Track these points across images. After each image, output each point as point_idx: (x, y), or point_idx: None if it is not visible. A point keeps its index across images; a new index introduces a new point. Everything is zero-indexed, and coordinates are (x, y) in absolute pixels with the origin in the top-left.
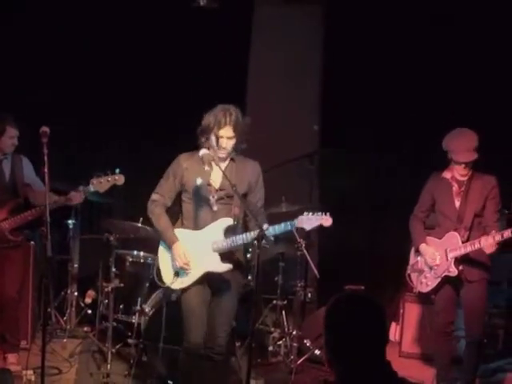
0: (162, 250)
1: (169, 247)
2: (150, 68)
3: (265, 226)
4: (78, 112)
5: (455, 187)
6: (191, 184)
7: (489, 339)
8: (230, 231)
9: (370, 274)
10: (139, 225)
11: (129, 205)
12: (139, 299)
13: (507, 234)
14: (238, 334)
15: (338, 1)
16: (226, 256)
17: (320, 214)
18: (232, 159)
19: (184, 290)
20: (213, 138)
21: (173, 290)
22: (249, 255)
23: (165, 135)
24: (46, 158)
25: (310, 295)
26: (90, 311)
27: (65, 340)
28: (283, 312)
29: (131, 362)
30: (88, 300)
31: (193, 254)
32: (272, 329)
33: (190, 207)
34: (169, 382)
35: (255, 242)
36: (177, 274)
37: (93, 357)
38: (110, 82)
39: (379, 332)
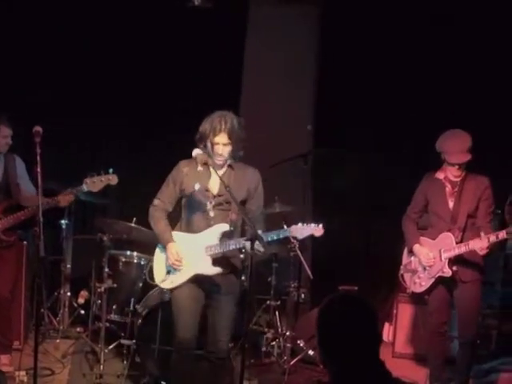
0: (158, 250)
1: (164, 247)
2: (146, 68)
3: (259, 232)
4: (71, 112)
5: (448, 188)
6: (190, 189)
7: (482, 340)
8: (225, 237)
9: (364, 275)
10: (132, 225)
11: (122, 205)
12: (132, 300)
13: (502, 235)
14: (232, 334)
15: (334, 1)
16: (219, 260)
17: (313, 224)
18: (230, 166)
19: (175, 289)
20: (209, 144)
21: (165, 291)
22: (242, 256)
23: (160, 135)
24: (38, 158)
25: (303, 296)
26: (82, 312)
27: (57, 340)
28: (276, 313)
29: (124, 362)
30: (81, 300)
31: (186, 255)
32: (265, 329)
33: (188, 212)
34: (162, 382)
35: (248, 243)
36: (168, 273)
37: (86, 357)
38: (104, 82)
39: (372, 332)
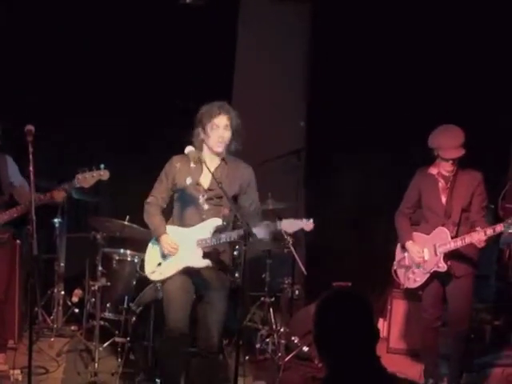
0: (150, 244)
1: (157, 239)
2: (137, 65)
3: (253, 230)
4: (63, 110)
5: (441, 183)
6: (182, 184)
7: (476, 334)
8: (218, 232)
9: (358, 271)
10: (125, 223)
11: (115, 203)
12: (126, 298)
13: (499, 228)
14: (226, 331)
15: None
16: (209, 254)
17: (304, 219)
18: (223, 160)
19: (165, 281)
20: (208, 128)
21: (159, 289)
22: (236, 253)
23: (151, 133)
24: (31, 157)
25: (297, 292)
26: (76, 310)
27: (52, 339)
28: (271, 309)
29: (119, 360)
30: (75, 299)
31: (179, 248)
32: (260, 326)
33: (180, 206)
34: (156, 380)
35: (240, 240)
36: (159, 265)
37: (80, 356)
38: (95, 80)
39: (367, 328)
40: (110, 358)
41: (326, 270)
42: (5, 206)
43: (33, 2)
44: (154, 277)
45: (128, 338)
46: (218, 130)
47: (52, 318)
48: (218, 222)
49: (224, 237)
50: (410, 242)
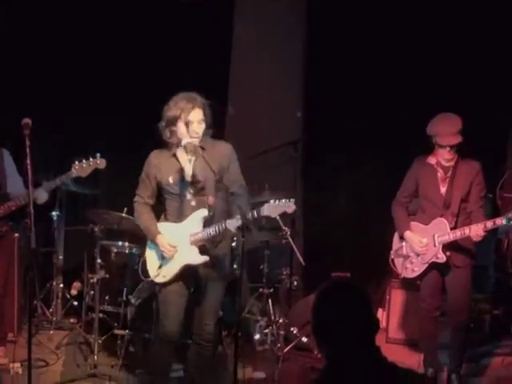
0: (147, 247)
1: (152, 241)
2: (133, 63)
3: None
4: (62, 106)
5: (440, 173)
6: (165, 182)
7: (475, 324)
8: (206, 222)
9: (356, 261)
10: (123, 215)
11: (113, 196)
12: (125, 290)
13: (499, 221)
14: (225, 323)
15: None
16: (205, 249)
17: (284, 200)
18: (201, 147)
19: (163, 284)
20: (181, 125)
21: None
22: (234, 244)
23: (150, 126)
24: (28, 150)
25: (295, 283)
26: (75, 303)
27: (51, 332)
28: (269, 300)
29: (118, 352)
30: (74, 292)
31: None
32: (258, 317)
33: (168, 203)
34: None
35: (236, 230)
36: (160, 267)
37: (79, 348)
38: (93, 77)
39: (366, 318)
40: (109, 350)
41: (325, 260)
42: (1, 199)
43: (33, 0)
44: (158, 280)
45: (127, 331)
46: (193, 124)
47: (51, 310)
48: (204, 212)
49: (212, 230)
50: (409, 231)
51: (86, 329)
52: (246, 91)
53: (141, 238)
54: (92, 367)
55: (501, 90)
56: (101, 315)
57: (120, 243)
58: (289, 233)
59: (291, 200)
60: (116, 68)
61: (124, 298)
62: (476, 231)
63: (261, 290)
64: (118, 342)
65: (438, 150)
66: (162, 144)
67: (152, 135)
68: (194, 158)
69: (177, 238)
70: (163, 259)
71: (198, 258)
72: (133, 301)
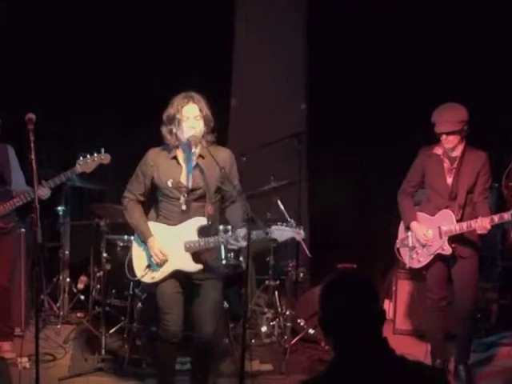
0: (135, 244)
1: (142, 241)
2: (138, 54)
3: (242, 232)
4: (67, 98)
5: (447, 163)
6: (163, 185)
7: (482, 314)
8: (203, 231)
9: (362, 252)
10: None
11: (119, 191)
12: (131, 283)
13: (506, 216)
14: (231, 315)
15: None
16: (199, 256)
17: (293, 226)
18: (201, 156)
19: (158, 283)
20: (179, 123)
21: None
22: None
23: (153, 119)
24: (32, 145)
25: (301, 275)
26: (82, 297)
27: (58, 326)
28: (276, 292)
29: (125, 346)
30: (80, 286)
31: (165, 249)
32: (265, 309)
33: (163, 205)
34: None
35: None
36: (148, 267)
37: (87, 342)
38: (101, 69)
39: (373, 310)
40: (116, 344)
41: (331, 252)
42: (7, 195)
43: None
44: (145, 279)
45: (134, 324)
46: (189, 120)
47: (58, 305)
48: (202, 221)
49: (212, 241)
50: (415, 222)
51: (93, 323)
52: (250, 83)
53: None
54: (99, 361)
55: (507, 79)
56: (108, 309)
57: (126, 237)
58: (294, 225)
59: (300, 227)
60: (121, 64)
61: (130, 291)
62: (482, 224)
63: (267, 282)
64: (125, 335)
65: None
66: (161, 142)
67: (156, 130)
68: (193, 165)
69: (169, 241)
70: (152, 260)
71: (192, 266)
72: (139, 294)
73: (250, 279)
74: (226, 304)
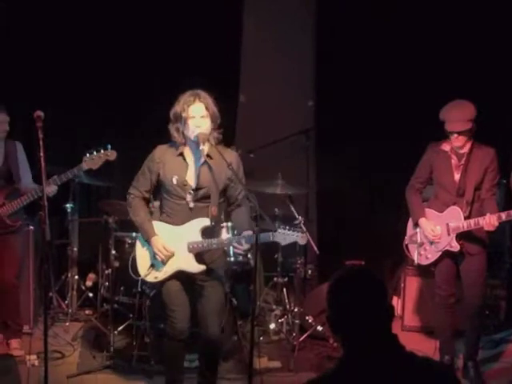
0: (139, 243)
1: (146, 240)
2: (146, 51)
3: (247, 233)
4: (74, 96)
5: (454, 160)
6: (168, 182)
7: (491, 311)
8: (207, 232)
9: (370, 249)
10: None
11: (126, 188)
12: (139, 281)
13: None
14: (240, 313)
15: None
16: (202, 257)
17: (298, 232)
18: (208, 156)
19: (163, 282)
20: (185, 121)
21: None
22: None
23: (162, 117)
24: (41, 143)
25: (310, 272)
26: (91, 294)
27: (67, 324)
28: (284, 289)
29: (134, 343)
30: (89, 283)
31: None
32: (273, 306)
33: (167, 203)
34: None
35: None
36: (151, 266)
37: (95, 339)
38: (106, 66)
39: (382, 306)
40: (124, 341)
41: (339, 249)
42: (15, 193)
43: None
44: (148, 279)
45: (142, 321)
46: (194, 119)
47: (66, 302)
48: (205, 221)
49: (215, 243)
50: (423, 218)
51: (101, 320)
52: (258, 80)
53: None
54: (108, 358)
55: None
56: (116, 306)
57: (134, 234)
58: (303, 221)
59: (304, 232)
60: (128, 60)
61: (139, 288)
62: (490, 222)
63: (275, 279)
64: (134, 333)
65: (450, 136)
66: (169, 139)
67: (164, 126)
68: (200, 164)
69: (173, 241)
70: (156, 259)
71: (194, 267)
72: (148, 292)
73: (259, 276)
74: (234, 301)
